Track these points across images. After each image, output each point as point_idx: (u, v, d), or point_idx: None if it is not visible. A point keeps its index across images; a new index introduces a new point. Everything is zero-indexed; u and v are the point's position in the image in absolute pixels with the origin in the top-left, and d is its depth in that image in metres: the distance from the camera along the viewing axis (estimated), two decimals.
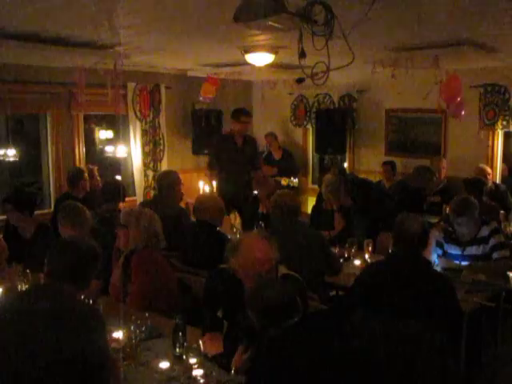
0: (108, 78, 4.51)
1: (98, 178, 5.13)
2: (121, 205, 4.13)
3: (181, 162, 6.45)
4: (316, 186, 6.20)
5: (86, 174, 4.77)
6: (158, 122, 6.15)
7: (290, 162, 6.39)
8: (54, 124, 5.41)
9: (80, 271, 1.92)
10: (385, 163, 5.81)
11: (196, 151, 6.42)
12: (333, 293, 3.48)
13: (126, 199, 4.42)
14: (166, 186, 4.16)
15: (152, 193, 6.09)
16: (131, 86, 5.85)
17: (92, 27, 3.25)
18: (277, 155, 6.58)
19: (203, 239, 3.37)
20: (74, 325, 1.72)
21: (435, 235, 3.39)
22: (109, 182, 4.41)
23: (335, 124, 6.21)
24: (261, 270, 2.12)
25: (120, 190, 4.09)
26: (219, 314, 2.22)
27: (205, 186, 5.86)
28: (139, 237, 2.73)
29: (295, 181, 5.88)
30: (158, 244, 2.81)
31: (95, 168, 5.21)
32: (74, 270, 1.89)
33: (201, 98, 6.03)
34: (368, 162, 6.38)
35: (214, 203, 3.57)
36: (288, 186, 5.82)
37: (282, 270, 2.29)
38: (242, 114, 4.99)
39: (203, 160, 6.54)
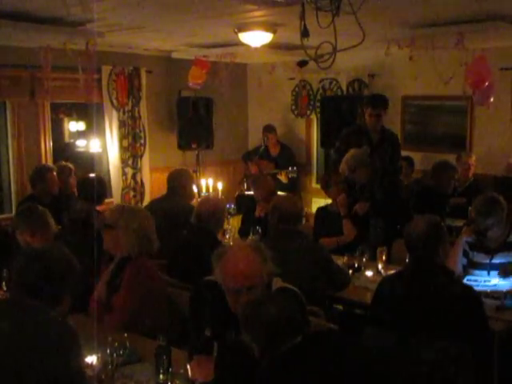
0: (79, 61, 4.50)
1: (74, 176, 5.07)
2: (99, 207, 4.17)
3: (165, 159, 6.46)
4: None
5: (55, 173, 4.74)
6: (138, 112, 6.15)
7: (288, 160, 6.42)
8: (14, 114, 5.38)
9: (52, 285, 1.92)
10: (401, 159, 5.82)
11: (182, 146, 6.42)
12: (340, 308, 3.50)
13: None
14: (178, 185, 4.44)
15: (131, 194, 6.10)
16: (106, 69, 5.84)
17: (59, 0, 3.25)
18: (273, 151, 6.60)
19: (198, 247, 3.39)
20: (45, 346, 1.71)
21: (462, 241, 3.39)
22: (87, 177, 4.46)
23: (343, 114, 6.18)
24: (240, 286, 2.12)
25: (102, 186, 4.20)
26: (207, 332, 2.22)
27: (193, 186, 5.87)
28: (131, 240, 2.73)
29: (294, 169, 5.90)
30: (152, 247, 2.82)
31: (69, 166, 5.10)
32: (45, 284, 1.90)
33: (189, 84, 6.04)
34: None
35: (219, 206, 3.65)
36: (289, 188, 5.84)
37: (278, 282, 2.29)
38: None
39: (191, 156, 6.56)
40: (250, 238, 4.03)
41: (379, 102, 4.83)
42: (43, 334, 1.74)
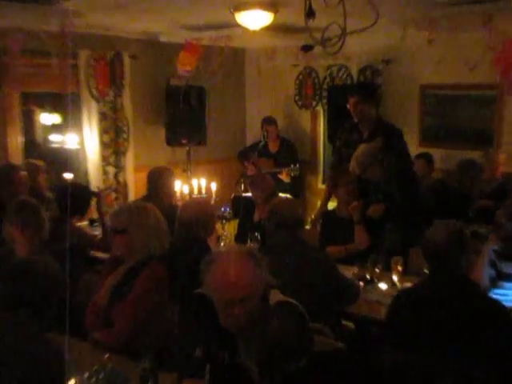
0: (53, 44, 4.50)
1: (44, 175, 5.09)
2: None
3: (151, 156, 6.46)
4: None
5: (22, 173, 4.72)
6: (121, 103, 6.15)
7: (289, 155, 6.42)
8: None
9: (39, 302, 1.98)
10: (418, 156, 5.82)
11: (171, 141, 6.42)
12: (350, 325, 3.50)
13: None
14: (159, 185, 4.61)
15: (113, 195, 6.11)
16: (84, 54, 5.83)
17: None
18: (273, 146, 6.60)
19: (184, 256, 3.39)
20: (25, 365, 1.75)
21: (489, 250, 3.39)
22: (67, 185, 4.60)
23: None
24: (231, 297, 2.12)
25: (85, 197, 4.31)
26: (198, 353, 2.22)
27: (183, 187, 5.88)
28: (148, 242, 2.80)
29: (296, 167, 5.90)
30: (163, 248, 2.90)
31: (36, 163, 5.14)
32: (29, 299, 1.96)
33: (178, 72, 6.03)
34: None
35: (208, 209, 3.66)
36: (292, 189, 5.84)
37: (277, 296, 2.29)
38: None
39: (181, 153, 6.56)
40: (247, 245, 4.03)
41: (356, 89, 4.97)
42: (24, 352, 1.77)
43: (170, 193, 4.82)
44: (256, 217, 4.59)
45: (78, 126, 6.02)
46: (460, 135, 6.11)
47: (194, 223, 3.51)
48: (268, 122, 6.58)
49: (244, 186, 6.12)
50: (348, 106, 4.80)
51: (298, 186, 6.49)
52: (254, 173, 5.93)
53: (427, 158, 5.78)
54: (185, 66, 5.97)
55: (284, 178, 6.02)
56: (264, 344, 1.83)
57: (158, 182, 4.70)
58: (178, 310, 2.76)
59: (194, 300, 2.37)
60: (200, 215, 3.54)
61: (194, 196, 5.95)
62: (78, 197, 4.17)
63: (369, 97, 4.80)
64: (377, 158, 4.32)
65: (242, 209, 4.95)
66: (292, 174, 5.99)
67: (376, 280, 3.60)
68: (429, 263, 2.70)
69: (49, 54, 4.61)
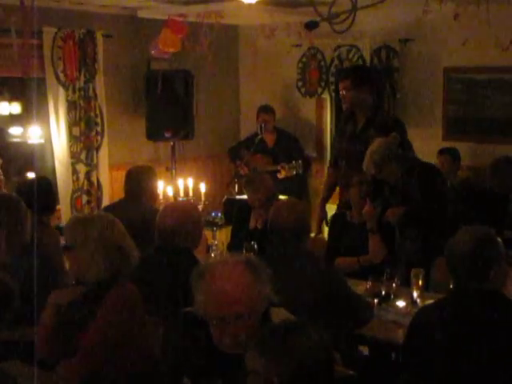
0: (12, 21, 4.48)
1: (1, 178, 5.11)
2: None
3: (129, 152, 6.45)
4: None
5: None
6: (94, 90, 6.14)
7: (290, 151, 6.41)
8: None
9: None
10: (442, 151, 5.83)
11: (153, 135, 6.42)
12: (363, 350, 3.50)
13: None
14: (139, 187, 4.62)
15: (85, 199, 6.11)
16: (49, 32, 5.82)
17: None
18: (269, 141, 6.59)
19: (168, 270, 3.40)
20: None
21: None
22: (29, 180, 4.59)
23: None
24: (225, 314, 2.11)
25: (51, 193, 4.33)
26: (186, 382, 2.21)
27: (167, 189, 5.87)
28: (100, 260, 2.76)
29: (298, 163, 5.91)
30: (129, 264, 2.85)
31: None
32: None
33: (159, 53, 6.02)
34: (417, 148, 6.35)
35: (193, 214, 3.63)
36: (294, 190, 5.83)
37: (281, 314, 2.29)
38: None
39: (164, 149, 6.56)
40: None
41: (346, 73, 5.07)
42: None
43: (153, 196, 4.84)
44: (252, 223, 4.59)
45: (42, 117, 6.01)
46: (490, 126, 6.09)
47: (176, 231, 3.50)
48: (264, 110, 6.57)
49: (238, 188, 6.13)
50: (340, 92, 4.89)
51: (301, 187, 6.48)
52: (248, 173, 5.94)
53: (453, 154, 5.78)
54: (168, 46, 5.96)
55: (283, 176, 6.01)
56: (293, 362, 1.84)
57: (138, 183, 4.70)
58: (162, 333, 2.74)
59: (181, 320, 2.38)
60: (183, 222, 3.52)
61: (180, 199, 5.94)
62: (45, 191, 4.21)
63: (362, 81, 4.88)
64: (393, 156, 4.34)
65: (235, 214, 4.94)
66: (294, 172, 5.97)
67: (393, 296, 3.59)
68: (453, 276, 2.70)
69: (7, 31, 4.59)
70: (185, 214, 3.59)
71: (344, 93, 4.90)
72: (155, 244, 3.61)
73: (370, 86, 4.94)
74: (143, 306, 2.90)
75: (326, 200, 5.26)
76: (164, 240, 3.53)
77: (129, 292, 2.79)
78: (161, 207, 5.28)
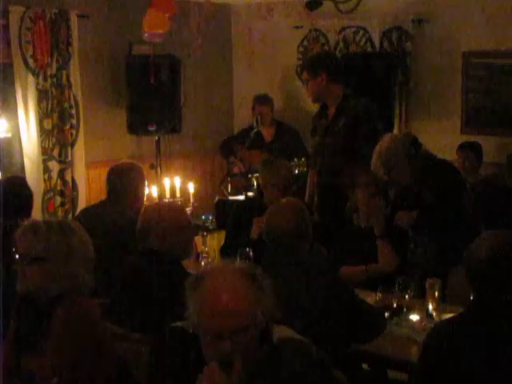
0: None
1: None
2: None
3: (108, 148, 6.46)
4: None
5: None
6: (67, 78, 6.14)
7: (291, 146, 6.42)
8: None
9: None
10: (463, 146, 5.83)
11: (135, 128, 6.41)
12: (370, 369, 3.49)
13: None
14: (123, 188, 4.55)
15: (58, 200, 6.09)
16: (16, 12, 5.81)
17: None
18: (267, 134, 6.61)
19: (155, 282, 3.39)
20: None
21: None
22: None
23: (375, 79, 6.21)
24: (220, 329, 2.11)
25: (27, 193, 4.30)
26: None
27: (151, 189, 5.85)
28: (59, 272, 2.75)
29: (302, 161, 5.93)
30: (85, 285, 2.83)
31: None
32: None
33: (144, 36, 6.00)
34: (432, 143, 6.33)
35: (179, 218, 3.61)
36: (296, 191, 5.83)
37: (282, 331, 2.28)
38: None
39: (148, 144, 6.55)
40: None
41: (301, 65, 5.31)
42: None
43: (138, 198, 4.75)
44: (254, 232, 4.47)
45: (9, 108, 6.00)
46: None
47: (163, 239, 3.48)
48: (261, 100, 6.59)
49: (231, 188, 6.11)
50: None
51: (303, 186, 6.46)
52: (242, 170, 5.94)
53: (474, 149, 5.77)
54: (153, 28, 5.93)
55: None
56: None
57: (122, 183, 4.61)
58: (149, 352, 2.73)
59: (169, 337, 2.37)
60: (170, 228, 3.51)
61: (166, 200, 5.93)
62: (19, 193, 4.21)
63: (318, 70, 4.99)
64: (405, 155, 4.32)
65: (233, 217, 4.92)
66: (296, 171, 5.95)
67: (406, 309, 3.58)
68: (473, 286, 2.68)
69: None
70: (171, 220, 3.57)
71: (306, 86, 5.08)
72: (137, 251, 3.61)
73: (330, 73, 5.02)
74: (125, 321, 2.87)
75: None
76: (147, 247, 3.52)
77: (82, 309, 2.76)
78: None
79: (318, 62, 5.08)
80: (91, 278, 2.84)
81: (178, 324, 2.34)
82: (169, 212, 3.68)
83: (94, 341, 2.70)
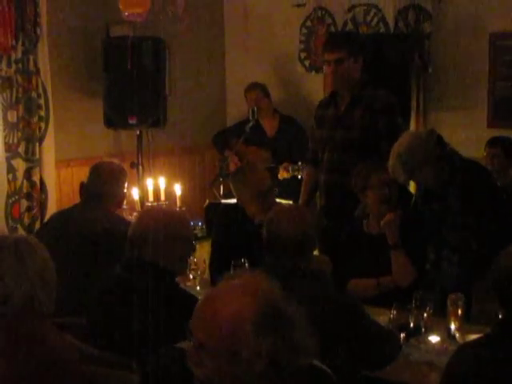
0: None
1: None
2: None
3: (83, 144, 6.49)
4: None
5: None
6: (35, 63, 6.15)
7: (291, 142, 6.46)
8: None
9: None
10: (492, 143, 5.82)
11: (113, 121, 6.43)
12: None
13: None
14: (103, 190, 4.59)
15: (24, 204, 6.11)
16: None
17: None
18: (269, 129, 6.65)
19: (144, 296, 3.35)
20: None
21: None
22: None
23: (388, 64, 6.23)
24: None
25: None
26: None
27: (132, 191, 5.86)
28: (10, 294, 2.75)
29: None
30: (42, 305, 2.81)
31: None
32: None
33: (123, 15, 5.99)
34: (454, 138, 6.34)
35: (180, 228, 3.63)
36: (297, 193, 5.83)
37: None
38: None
39: (128, 139, 6.58)
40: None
41: (336, 40, 5.23)
42: None
43: (118, 201, 4.80)
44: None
45: None
46: None
47: (160, 248, 3.47)
48: (250, 88, 6.66)
49: (224, 188, 6.10)
50: (324, 67, 5.02)
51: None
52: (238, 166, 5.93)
53: (505, 146, 5.76)
54: (132, 7, 5.93)
55: (285, 176, 6.00)
56: None
57: (102, 184, 4.63)
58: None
59: (165, 361, 2.42)
60: (171, 235, 3.52)
61: (150, 204, 5.93)
62: None
63: (358, 50, 5.01)
64: (429, 155, 4.29)
65: (218, 222, 4.97)
66: (299, 176, 5.92)
67: (424, 329, 3.58)
68: (502, 304, 2.69)
69: None
70: (169, 226, 3.57)
71: (335, 67, 4.94)
72: (125, 262, 3.60)
73: (361, 57, 5.05)
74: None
75: (306, 205, 5.33)
76: (141, 258, 3.51)
77: (28, 330, 2.75)
78: (126, 215, 5.32)
79: (359, 43, 5.09)
80: (51, 298, 2.84)
81: (181, 345, 2.37)
82: (171, 219, 3.68)
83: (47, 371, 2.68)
